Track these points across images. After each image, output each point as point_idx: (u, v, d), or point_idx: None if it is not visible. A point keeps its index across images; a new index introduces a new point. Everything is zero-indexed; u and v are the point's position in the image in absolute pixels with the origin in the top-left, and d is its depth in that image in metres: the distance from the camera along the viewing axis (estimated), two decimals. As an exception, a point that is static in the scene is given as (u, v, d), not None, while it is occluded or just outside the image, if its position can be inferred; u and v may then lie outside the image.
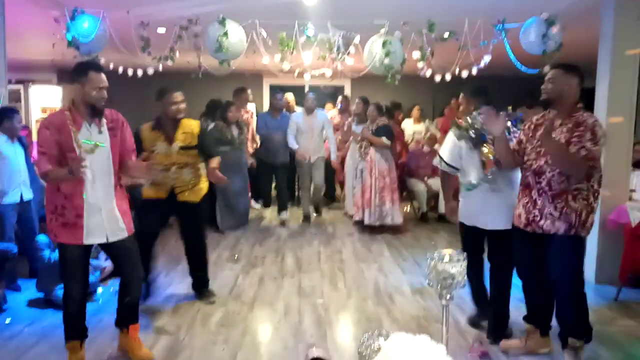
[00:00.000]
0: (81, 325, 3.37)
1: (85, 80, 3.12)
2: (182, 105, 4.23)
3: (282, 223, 7.38)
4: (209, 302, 4.48)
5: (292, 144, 7.20)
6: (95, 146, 3.15)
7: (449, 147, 3.85)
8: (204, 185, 4.44)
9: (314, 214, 7.80)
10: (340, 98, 9.22)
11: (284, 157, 7.40)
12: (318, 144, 7.37)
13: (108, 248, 3.36)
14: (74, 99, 3.19)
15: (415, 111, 9.67)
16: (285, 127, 7.30)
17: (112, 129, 3.27)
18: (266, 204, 8.17)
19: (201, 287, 4.61)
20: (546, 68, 5.04)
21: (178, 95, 4.21)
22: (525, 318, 3.63)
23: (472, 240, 3.82)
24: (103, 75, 3.18)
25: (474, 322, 4.02)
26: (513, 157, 3.44)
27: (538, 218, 3.28)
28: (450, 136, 3.82)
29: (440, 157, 3.90)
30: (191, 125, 4.30)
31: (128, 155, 3.37)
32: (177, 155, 4.22)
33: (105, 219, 3.22)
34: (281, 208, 7.54)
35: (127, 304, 3.48)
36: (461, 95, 4.16)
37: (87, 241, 3.20)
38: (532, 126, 3.42)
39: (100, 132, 3.21)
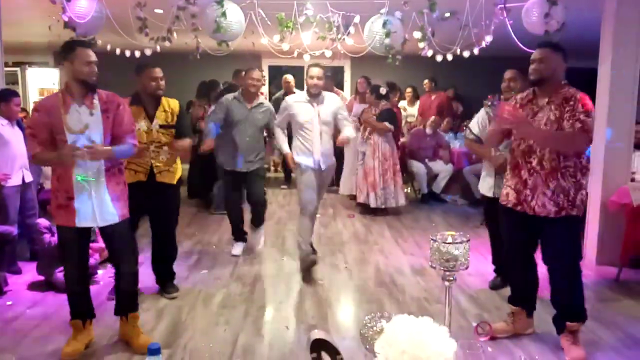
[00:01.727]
0: (84, 305, 3.39)
1: (74, 57, 3.10)
2: (162, 82, 4.07)
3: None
4: (171, 296, 4.25)
5: (281, 143, 4.89)
6: (86, 127, 3.10)
7: (477, 121, 4.39)
8: (179, 167, 4.30)
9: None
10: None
11: (258, 161, 5.16)
12: (327, 144, 4.77)
13: (103, 233, 3.35)
14: (67, 79, 3.16)
15: (408, 93, 9.54)
16: (261, 119, 5.10)
17: (105, 110, 3.20)
18: (239, 236, 5.42)
19: (165, 280, 4.38)
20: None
21: (157, 71, 4.04)
22: (510, 300, 3.60)
23: None
24: (91, 51, 3.15)
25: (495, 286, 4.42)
26: (497, 139, 3.64)
27: (530, 198, 3.25)
28: (482, 112, 4.38)
29: (470, 130, 4.42)
30: (171, 104, 4.15)
31: (124, 138, 3.27)
32: (156, 134, 4.05)
33: (95, 202, 3.18)
34: (237, 236, 5.40)
35: (123, 292, 3.46)
36: (510, 72, 4.22)
37: (79, 224, 3.18)
38: (518, 106, 3.36)
39: (91, 114, 3.14)
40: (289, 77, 8.67)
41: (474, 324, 3.61)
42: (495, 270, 4.49)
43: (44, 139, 3.09)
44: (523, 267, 3.50)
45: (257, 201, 5.29)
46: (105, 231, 3.30)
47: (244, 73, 5.34)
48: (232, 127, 5.03)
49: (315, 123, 4.66)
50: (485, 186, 4.33)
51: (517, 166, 3.32)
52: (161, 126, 4.05)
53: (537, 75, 3.24)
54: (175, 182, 4.21)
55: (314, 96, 4.72)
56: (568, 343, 3.29)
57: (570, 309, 3.33)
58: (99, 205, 3.20)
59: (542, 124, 3.19)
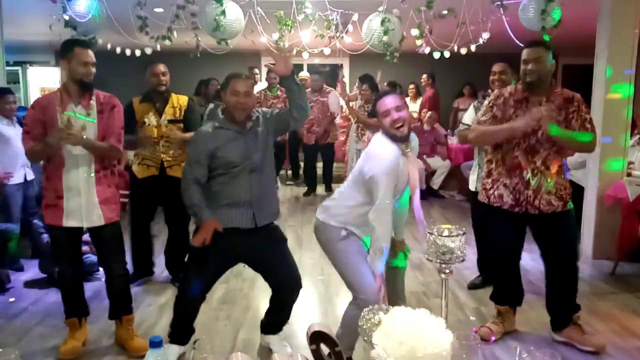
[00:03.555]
0: (79, 303, 3.38)
1: (72, 56, 3.09)
2: (164, 78, 4.21)
3: None
4: None
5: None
6: (83, 127, 3.08)
7: (468, 115, 4.28)
8: None
9: None
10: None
11: (264, 214, 3.08)
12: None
13: (91, 234, 3.35)
14: (65, 78, 3.17)
15: (411, 90, 9.63)
16: (262, 138, 3.04)
17: (100, 111, 3.19)
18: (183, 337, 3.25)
19: (178, 270, 4.40)
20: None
21: (158, 67, 4.20)
22: (498, 300, 3.53)
23: None
24: (90, 51, 3.14)
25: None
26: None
27: (532, 199, 3.17)
28: (471, 106, 4.34)
29: (462, 123, 4.32)
30: (180, 101, 4.30)
31: (108, 139, 3.19)
32: (165, 129, 4.18)
33: (83, 203, 3.15)
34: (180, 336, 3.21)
35: (115, 295, 3.41)
36: (501, 66, 4.10)
37: (66, 223, 3.16)
38: (511, 102, 3.21)
39: (88, 114, 3.14)
40: (305, 74, 8.43)
41: (474, 329, 3.64)
42: (480, 268, 4.41)
43: (37, 134, 3.08)
44: (514, 268, 3.47)
45: (295, 281, 3.39)
46: (93, 233, 3.31)
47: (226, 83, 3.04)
48: (226, 174, 2.96)
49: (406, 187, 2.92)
50: (470, 181, 4.35)
51: (517, 167, 3.19)
52: (170, 121, 4.22)
53: (535, 76, 3.11)
54: None
55: (403, 140, 2.81)
56: (579, 335, 3.32)
57: (573, 302, 3.36)
58: (87, 206, 3.17)
59: None
